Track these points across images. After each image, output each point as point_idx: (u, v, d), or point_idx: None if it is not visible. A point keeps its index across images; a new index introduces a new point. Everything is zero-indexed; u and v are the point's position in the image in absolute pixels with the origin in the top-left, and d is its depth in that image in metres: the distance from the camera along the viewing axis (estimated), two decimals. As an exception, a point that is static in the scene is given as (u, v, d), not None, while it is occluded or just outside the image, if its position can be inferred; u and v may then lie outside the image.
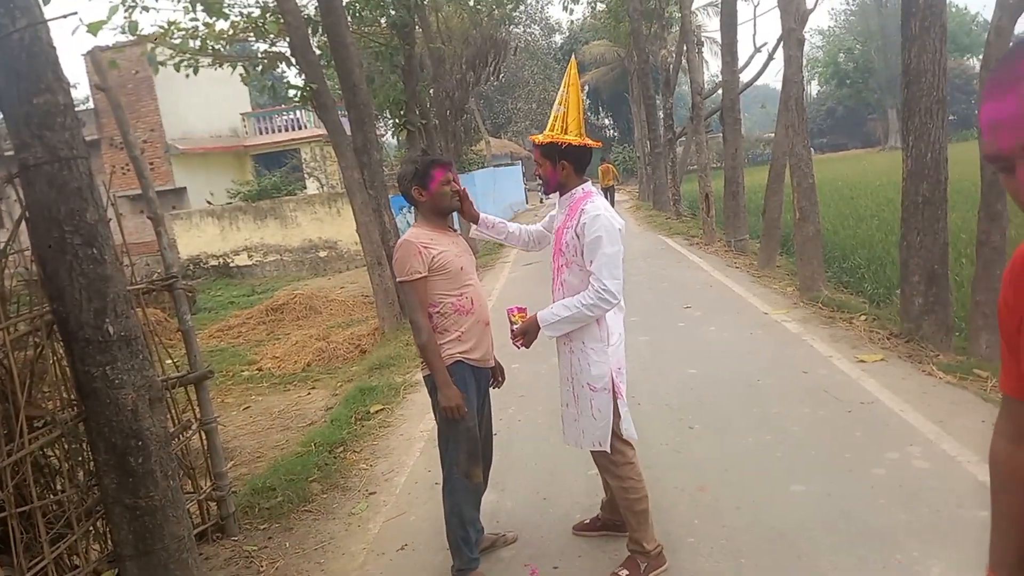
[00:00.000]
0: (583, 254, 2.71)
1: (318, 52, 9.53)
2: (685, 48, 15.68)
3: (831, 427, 4.18)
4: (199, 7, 9.01)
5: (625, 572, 2.85)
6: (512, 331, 2.92)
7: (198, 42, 9.58)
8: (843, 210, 14.77)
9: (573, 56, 3.45)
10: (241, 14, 10.03)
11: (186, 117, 22.16)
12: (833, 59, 49.87)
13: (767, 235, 10.27)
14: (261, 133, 24.53)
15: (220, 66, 10.20)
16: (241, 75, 10.46)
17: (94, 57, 3.49)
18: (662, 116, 21.05)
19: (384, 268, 8.32)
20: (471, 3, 16.09)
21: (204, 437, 3.72)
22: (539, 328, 2.84)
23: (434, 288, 2.83)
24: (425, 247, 2.80)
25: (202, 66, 9.82)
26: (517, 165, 33.65)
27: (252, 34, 10.31)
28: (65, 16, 2.56)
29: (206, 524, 3.65)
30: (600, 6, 25.41)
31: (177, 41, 9.48)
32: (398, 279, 2.87)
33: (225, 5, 9.17)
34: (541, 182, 2.97)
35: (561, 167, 2.82)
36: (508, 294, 10.03)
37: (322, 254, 18.37)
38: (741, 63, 14.67)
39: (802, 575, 2.79)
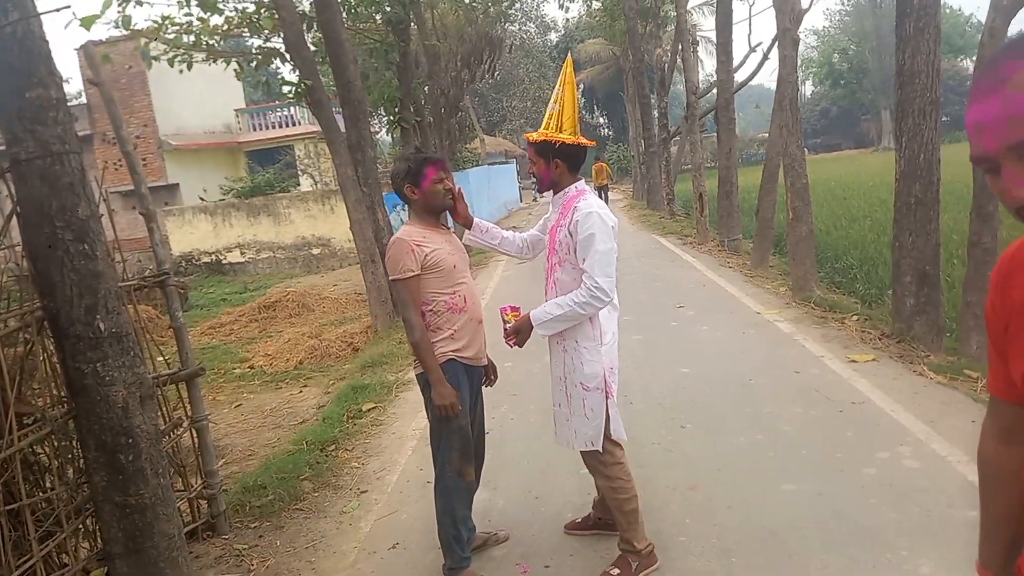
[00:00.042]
0: (576, 252, 2.71)
1: (313, 48, 9.51)
2: (680, 47, 15.71)
3: (823, 427, 4.19)
4: (193, 2, 8.98)
5: (617, 571, 2.85)
6: (505, 330, 2.92)
7: (192, 37, 9.54)
8: (836, 210, 14.82)
9: (569, 55, 3.44)
10: (235, 9, 10.00)
11: (179, 113, 22.05)
12: (828, 59, 50.06)
13: (760, 235, 10.30)
14: (255, 129, 24.43)
15: (214, 62, 10.16)
16: (235, 71, 10.42)
17: (87, 52, 3.47)
18: (657, 115, 21.08)
19: (377, 266, 8.30)
20: (466, 0, 16.07)
21: (195, 435, 3.71)
22: (532, 327, 2.83)
23: (427, 286, 2.83)
24: (418, 245, 2.79)
25: (196, 62, 9.77)
26: (512, 163, 33.66)
27: (246, 30, 10.28)
28: (58, 10, 2.54)
29: (196, 522, 3.64)
30: (596, 4, 25.47)
31: (171, 36, 9.43)
32: (391, 277, 2.86)
33: (219, 0, 9.13)
34: (535, 180, 2.96)
35: (555, 165, 2.82)
36: (502, 292, 10.03)
37: (315, 251, 18.32)
38: (736, 63, 14.72)
39: (793, 574, 2.80)
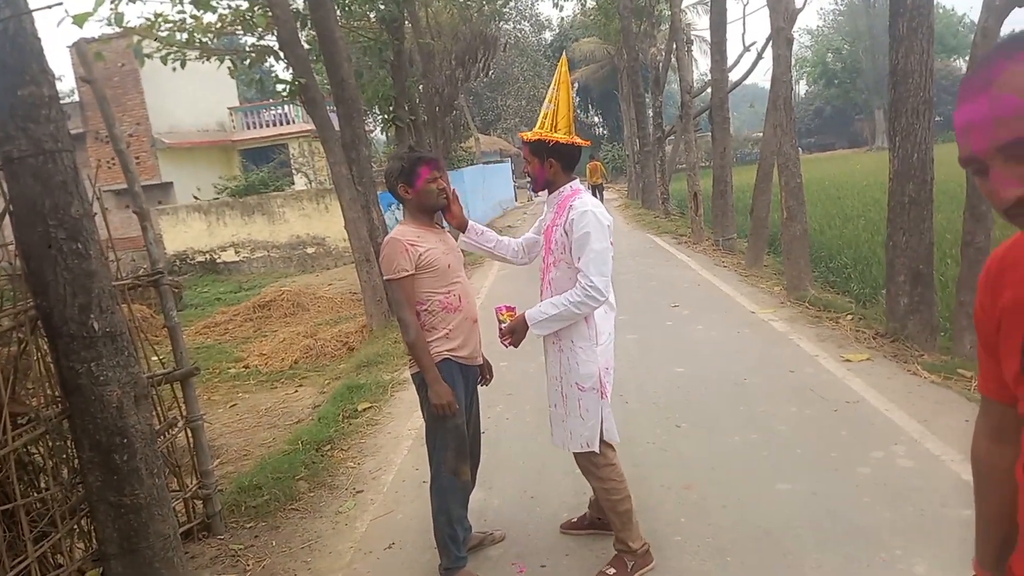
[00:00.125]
0: (571, 251, 2.71)
1: (307, 46, 9.48)
2: (675, 46, 15.71)
3: (817, 426, 4.21)
4: (186, 0, 8.94)
5: (612, 570, 2.85)
6: (500, 330, 2.91)
7: (185, 35, 9.49)
8: (830, 210, 14.86)
9: (564, 54, 3.44)
10: (229, 7, 9.96)
11: (173, 111, 21.97)
12: (821, 59, 50.16)
13: (755, 234, 10.32)
14: (248, 128, 24.36)
15: (207, 60, 10.12)
16: (229, 69, 10.38)
17: (80, 49, 3.45)
18: (651, 114, 21.09)
19: (372, 265, 8.28)
20: (461, -1, 16.07)
21: (190, 435, 3.70)
22: (527, 327, 2.83)
23: (421, 286, 2.82)
24: (412, 245, 2.79)
25: (189, 59, 9.73)
26: (507, 162, 33.62)
27: (240, 27, 10.23)
28: (50, 7, 2.53)
29: (192, 522, 3.63)
30: (590, 3, 25.44)
31: (164, 34, 9.39)
32: (385, 277, 2.86)
33: (213, -2, 9.10)
34: (530, 180, 2.96)
35: (549, 165, 2.82)
36: (497, 292, 10.03)
37: (310, 250, 18.28)
38: (730, 62, 14.75)
39: (788, 573, 2.81)
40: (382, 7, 11.61)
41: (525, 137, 2.86)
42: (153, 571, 2.56)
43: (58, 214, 2.31)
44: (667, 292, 8.74)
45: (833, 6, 51.77)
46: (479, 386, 3.16)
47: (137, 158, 20.57)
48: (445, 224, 3.12)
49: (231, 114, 24.65)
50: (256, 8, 9.32)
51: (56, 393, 2.69)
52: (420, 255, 2.79)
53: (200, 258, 18.82)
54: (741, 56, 17.19)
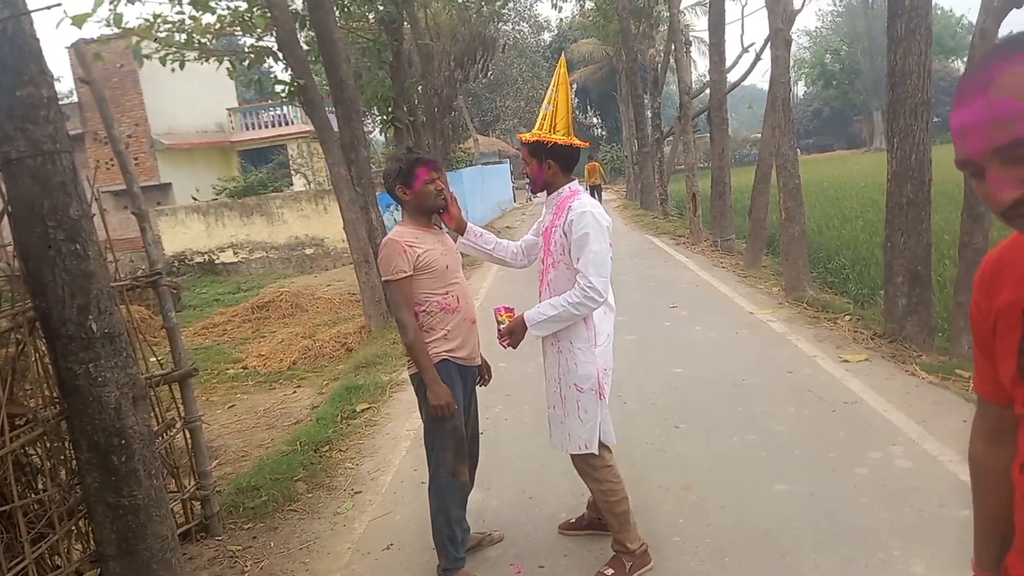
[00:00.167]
0: (570, 252, 2.71)
1: (305, 47, 9.47)
2: (673, 47, 15.72)
3: (815, 427, 4.21)
4: (185, 0, 8.93)
5: (611, 571, 2.86)
6: (499, 331, 2.91)
7: (184, 36, 9.49)
8: (828, 211, 14.87)
9: (563, 56, 3.44)
10: (228, 8, 9.95)
11: (172, 112, 21.96)
12: (820, 60, 50.22)
13: (753, 235, 10.33)
14: (247, 129, 24.35)
15: (206, 60, 10.11)
16: (228, 70, 10.38)
17: (78, 50, 3.45)
18: (650, 115, 21.09)
19: (371, 266, 8.28)
20: None
21: (188, 436, 3.69)
22: (526, 328, 2.83)
23: (420, 287, 2.82)
24: (410, 246, 2.79)
25: (188, 60, 9.73)
26: (505, 163, 33.63)
27: (239, 28, 10.23)
28: (49, 8, 2.53)
29: (190, 523, 3.63)
30: (589, 4, 25.44)
31: (163, 35, 9.38)
32: (383, 278, 2.86)
33: (212, -1, 9.10)
34: (528, 181, 2.96)
35: (547, 166, 2.82)
36: (495, 293, 10.03)
37: (308, 251, 18.27)
38: (729, 63, 14.76)
39: (786, 574, 2.81)
40: (381, 8, 11.61)
41: (524, 138, 2.86)
42: (151, 572, 2.56)
43: (57, 215, 2.31)
44: (665, 293, 8.74)
45: (831, 7, 51.91)
46: (478, 387, 3.16)
47: (136, 159, 20.57)
48: (443, 227, 3.12)
49: (230, 115, 24.65)
50: (255, 9, 9.32)
51: (54, 394, 2.69)
52: (418, 256, 2.79)
53: (199, 259, 18.82)
54: (739, 57, 17.23)
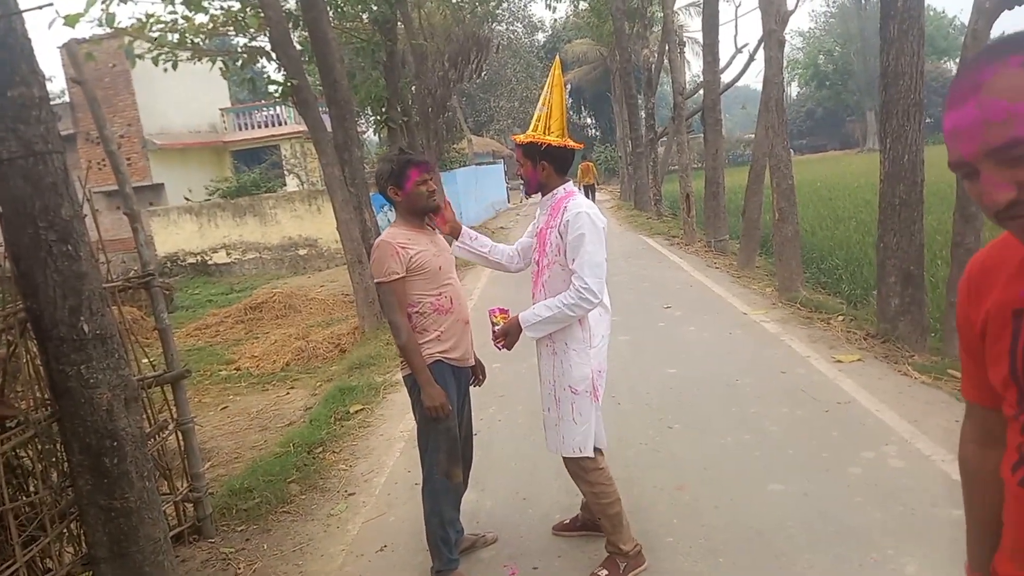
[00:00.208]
0: (566, 253, 2.71)
1: (299, 47, 9.46)
2: (667, 48, 15.77)
3: (808, 427, 4.22)
4: (178, 0, 8.90)
5: (605, 572, 2.86)
6: (494, 332, 2.91)
7: (177, 36, 9.46)
8: (821, 211, 14.92)
9: (557, 57, 3.44)
10: (221, 8, 9.93)
11: (164, 112, 21.88)
12: (813, 61, 50.43)
13: (747, 236, 10.36)
14: (240, 129, 24.28)
15: (199, 60, 10.08)
16: (220, 70, 10.35)
17: (70, 50, 3.43)
18: (644, 116, 21.13)
19: (364, 266, 8.27)
20: (453, 0, 16.05)
21: (181, 437, 3.68)
22: (521, 329, 2.82)
23: (413, 288, 2.81)
24: (403, 247, 2.78)
25: (181, 60, 9.69)
26: (499, 164, 33.65)
27: (232, 28, 10.20)
28: (41, 7, 2.51)
29: (182, 526, 3.61)
30: (583, 4, 25.51)
31: (155, 34, 9.34)
32: (376, 280, 2.85)
33: (204, -1, 9.07)
34: (523, 182, 2.96)
35: (541, 167, 2.81)
36: (489, 294, 10.03)
37: (302, 252, 18.23)
38: (722, 64, 14.79)
39: (780, 574, 2.82)
40: (375, 8, 11.59)
41: (518, 140, 2.85)
42: (143, 575, 2.55)
43: (48, 216, 2.29)
44: (659, 293, 8.75)
45: (825, 8, 52.23)
46: (472, 387, 3.16)
47: (128, 159, 20.49)
48: (436, 230, 3.11)
49: (223, 115, 24.56)
50: (248, 9, 9.30)
51: (46, 396, 2.67)
52: (411, 257, 2.78)
53: (191, 260, 18.75)
54: (733, 58, 17.28)
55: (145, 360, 3.59)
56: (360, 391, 5.90)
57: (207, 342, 9.96)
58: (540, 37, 44.65)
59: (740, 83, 18.34)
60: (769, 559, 2.91)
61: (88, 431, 2.43)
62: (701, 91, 14.54)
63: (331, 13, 10.65)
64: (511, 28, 39.06)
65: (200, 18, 9.54)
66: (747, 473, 3.70)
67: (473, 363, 3.10)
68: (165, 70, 9.52)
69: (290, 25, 9.40)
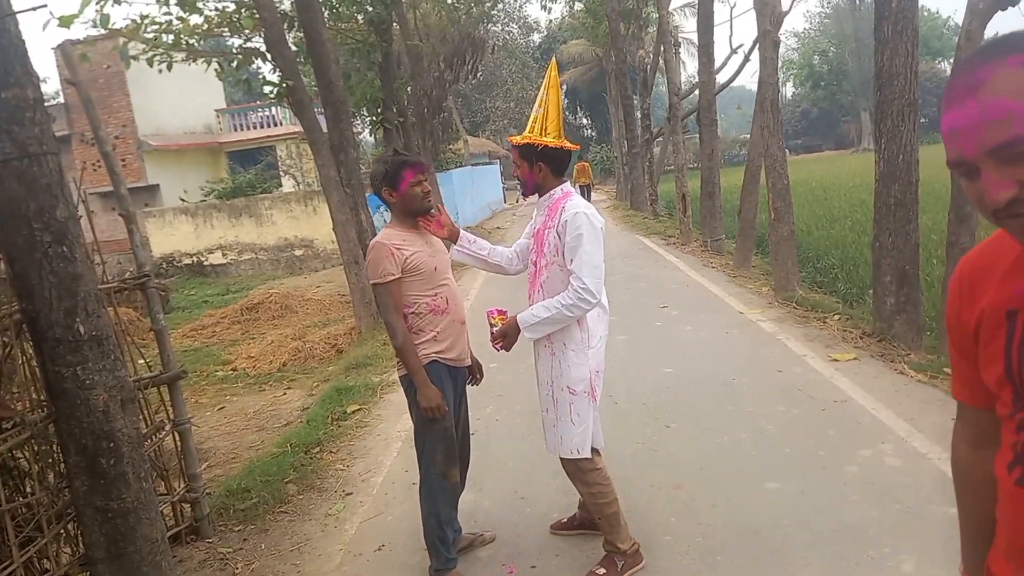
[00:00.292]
0: (564, 254, 2.71)
1: (294, 48, 9.45)
2: (663, 49, 15.78)
3: (805, 425, 4.23)
4: (173, 1, 8.89)
5: (603, 571, 2.86)
6: (492, 333, 2.91)
7: (171, 37, 9.44)
8: (817, 211, 14.96)
9: (554, 58, 3.43)
10: (216, 9, 9.91)
11: (159, 113, 21.82)
12: (808, 61, 50.54)
13: (743, 235, 10.38)
14: (236, 130, 24.23)
15: (194, 61, 10.06)
16: (216, 71, 10.33)
17: (65, 51, 3.42)
18: (639, 116, 21.15)
19: (361, 267, 8.26)
20: (449, 0, 16.04)
21: (177, 438, 3.67)
22: (519, 330, 2.81)
23: (408, 289, 2.81)
24: (398, 248, 2.78)
25: (176, 61, 9.67)
26: (495, 164, 33.63)
27: (227, 29, 10.18)
28: (35, 9, 2.51)
29: (180, 526, 3.61)
30: (578, 5, 25.50)
31: (150, 36, 9.33)
32: (371, 281, 2.85)
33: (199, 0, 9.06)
34: (519, 183, 2.96)
35: (538, 169, 2.82)
36: (486, 295, 10.02)
37: (298, 253, 18.21)
38: (717, 64, 14.79)
39: (777, 572, 2.83)
40: (370, 9, 11.59)
41: (514, 141, 2.85)
42: (141, 575, 2.55)
43: (43, 217, 2.29)
44: (656, 293, 8.76)
45: (819, 9, 52.30)
46: (470, 386, 3.16)
47: (123, 160, 20.44)
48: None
49: (218, 116, 24.51)
50: (243, 10, 9.29)
51: (42, 397, 2.67)
52: (406, 259, 2.78)
53: (187, 261, 18.72)
54: (728, 58, 17.27)
55: (141, 361, 3.59)
56: (357, 391, 5.90)
57: (203, 343, 9.95)
58: (536, 38, 44.68)
59: (735, 83, 18.37)
60: (766, 557, 2.92)
61: (84, 432, 2.42)
62: (696, 91, 14.54)
63: (326, 14, 10.64)
64: (506, 29, 39.05)
65: (195, 19, 9.53)
66: (744, 472, 3.71)
67: (470, 363, 3.10)
68: (160, 71, 9.50)
69: (285, 26, 9.40)
